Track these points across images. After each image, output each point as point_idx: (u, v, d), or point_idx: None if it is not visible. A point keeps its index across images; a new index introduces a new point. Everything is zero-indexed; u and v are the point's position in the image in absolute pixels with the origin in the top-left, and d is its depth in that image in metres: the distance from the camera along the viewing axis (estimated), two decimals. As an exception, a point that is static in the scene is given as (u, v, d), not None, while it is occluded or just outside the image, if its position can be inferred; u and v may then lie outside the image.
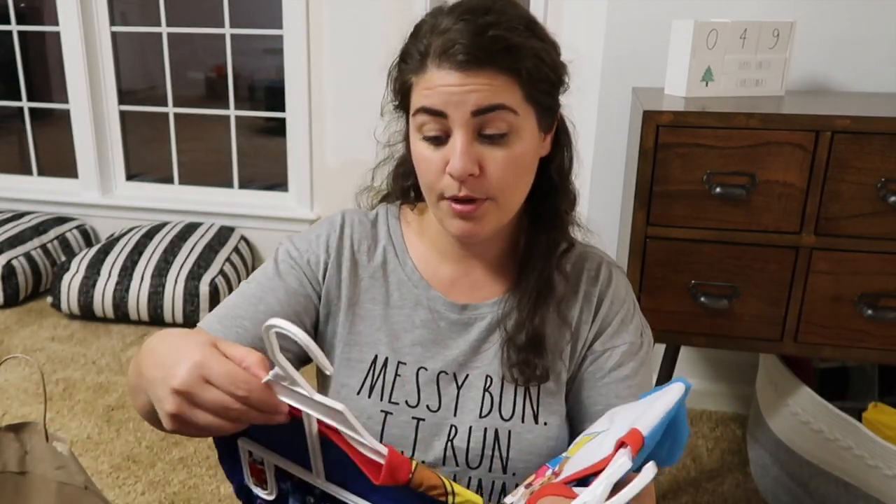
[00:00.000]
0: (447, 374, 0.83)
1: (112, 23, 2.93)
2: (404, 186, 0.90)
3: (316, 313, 0.86)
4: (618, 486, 0.49)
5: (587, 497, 0.48)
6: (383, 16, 2.58)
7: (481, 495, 0.82)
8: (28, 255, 2.80)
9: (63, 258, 2.88)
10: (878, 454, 1.36)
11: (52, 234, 2.94)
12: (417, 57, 0.74)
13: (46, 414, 0.96)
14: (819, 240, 1.33)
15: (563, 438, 0.82)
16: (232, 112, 2.99)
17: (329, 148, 2.83)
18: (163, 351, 0.60)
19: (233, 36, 2.90)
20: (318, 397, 0.57)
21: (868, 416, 1.46)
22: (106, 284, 2.57)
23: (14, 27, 3.09)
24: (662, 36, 1.66)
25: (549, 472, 0.65)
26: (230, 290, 2.68)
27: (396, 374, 0.83)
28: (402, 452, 0.80)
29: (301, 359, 0.85)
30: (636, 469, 0.50)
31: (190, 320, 2.57)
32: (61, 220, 3.04)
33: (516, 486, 0.82)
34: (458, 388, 0.83)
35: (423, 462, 0.82)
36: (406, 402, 0.82)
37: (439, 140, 0.74)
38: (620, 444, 0.52)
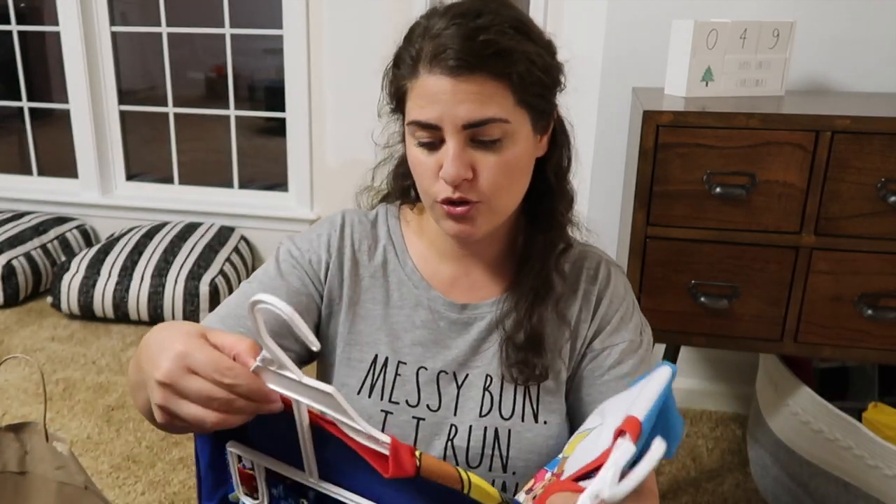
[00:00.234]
0: (447, 373, 0.83)
1: (112, 23, 2.93)
2: (404, 186, 0.90)
3: (318, 313, 0.86)
4: (624, 474, 0.48)
5: (597, 486, 0.48)
6: (383, 16, 2.58)
7: None
8: (28, 255, 2.80)
9: (63, 258, 2.88)
10: (878, 454, 1.36)
11: (52, 234, 2.94)
12: (410, 62, 0.74)
13: (46, 414, 0.96)
14: (819, 240, 1.33)
15: (564, 437, 0.83)
16: (232, 112, 2.99)
17: (329, 148, 2.83)
18: (153, 344, 0.59)
19: (233, 36, 2.90)
20: (307, 380, 0.54)
21: (868, 416, 1.46)
22: (106, 284, 2.57)
23: (14, 27, 3.09)
24: (662, 36, 1.66)
25: (548, 475, 0.65)
26: (230, 290, 2.68)
27: (397, 374, 0.83)
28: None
29: (303, 359, 0.85)
30: (639, 454, 0.50)
31: (190, 320, 2.56)
32: (61, 220, 3.04)
33: (517, 485, 0.82)
34: (458, 387, 0.83)
35: None
36: (406, 401, 0.82)
37: (433, 145, 0.75)
38: (619, 433, 0.52)
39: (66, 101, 3.00)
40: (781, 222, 1.34)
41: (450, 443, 0.81)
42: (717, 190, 1.33)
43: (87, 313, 2.61)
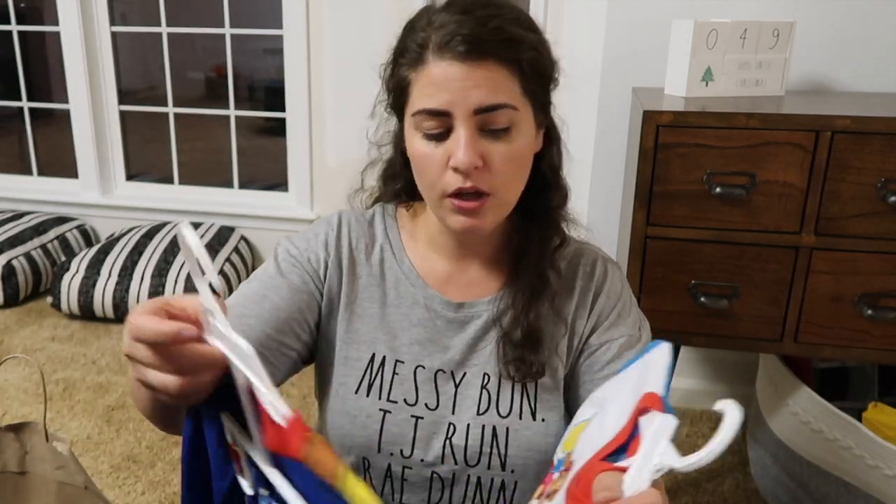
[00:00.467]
0: (444, 372, 0.83)
1: (112, 23, 2.93)
2: (395, 189, 0.90)
3: (319, 311, 0.86)
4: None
5: (661, 460, 0.47)
6: (383, 16, 2.58)
7: (480, 493, 0.82)
8: (28, 255, 2.80)
9: (63, 258, 2.88)
10: (878, 454, 1.36)
11: (52, 234, 2.94)
12: (415, 51, 0.73)
13: (46, 414, 0.96)
14: (819, 240, 1.33)
15: (563, 435, 0.82)
16: (232, 112, 2.99)
17: (329, 148, 2.83)
18: None
19: (233, 36, 2.90)
20: (233, 334, 0.52)
21: (868, 416, 1.46)
22: (106, 284, 2.57)
23: (14, 27, 3.09)
24: (662, 36, 1.66)
25: (556, 475, 0.64)
26: (230, 289, 2.68)
27: (394, 373, 0.83)
28: (401, 453, 0.81)
29: (303, 357, 0.85)
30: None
31: (190, 320, 2.57)
32: (61, 220, 3.04)
33: (515, 483, 0.82)
34: (456, 386, 0.83)
35: (422, 461, 0.82)
36: (404, 400, 0.82)
37: (440, 136, 0.74)
38: (641, 411, 0.51)
39: (66, 101, 2.99)
40: (781, 222, 1.34)
41: (448, 441, 0.81)
42: (717, 190, 1.33)
43: (87, 313, 2.61)
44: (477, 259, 0.86)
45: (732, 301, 1.39)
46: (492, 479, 0.81)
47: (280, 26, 2.72)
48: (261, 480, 0.59)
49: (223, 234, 2.86)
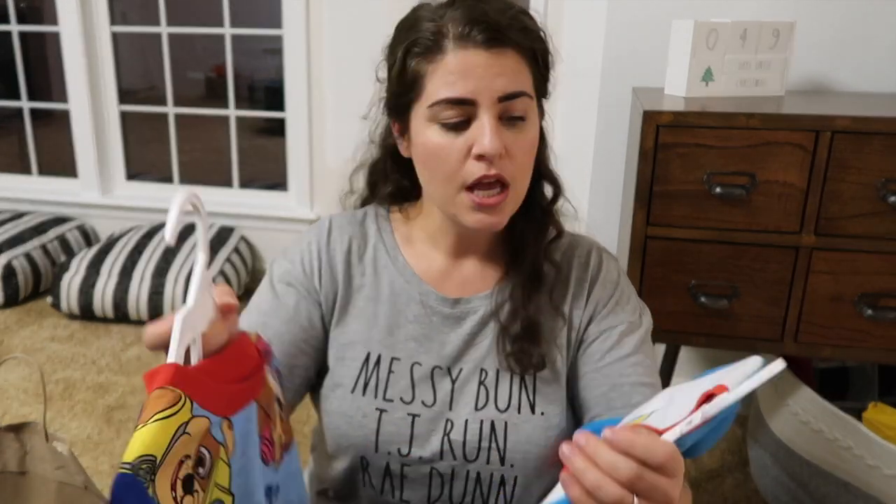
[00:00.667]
0: (441, 368, 0.83)
1: (112, 23, 2.93)
2: (384, 193, 0.89)
3: (322, 319, 0.86)
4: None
5: (685, 425, 0.49)
6: (383, 16, 2.58)
7: (480, 488, 0.82)
8: (28, 255, 2.80)
9: (63, 258, 2.88)
10: (878, 454, 1.36)
11: (52, 234, 2.94)
12: (430, 41, 0.73)
13: (46, 414, 0.96)
14: (819, 240, 1.33)
15: (563, 428, 0.82)
16: (232, 112, 2.99)
17: (329, 148, 2.83)
18: None
19: (233, 36, 2.90)
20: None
21: (868, 416, 1.46)
22: (106, 284, 2.57)
23: (14, 27, 3.09)
24: (662, 36, 1.66)
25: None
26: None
27: (390, 371, 0.83)
28: (399, 451, 0.81)
29: (320, 370, 0.86)
30: (716, 426, 0.52)
31: (190, 320, 2.57)
32: (61, 220, 3.04)
33: (515, 478, 0.81)
34: (453, 382, 0.83)
35: (420, 458, 0.82)
36: (401, 398, 0.82)
37: (459, 126, 0.74)
38: (707, 397, 0.51)
39: (66, 101, 2.99)
40: (781, 222, 1.34)
41: (446, 437, 0.81)
42: (717, 190, 1.33)
43: (87, 313, 2.61)
44: (474, 255, 0.86)
45: (732, 301, 1.39)
46: (491, 474, 0.81)
47: (280, 26, 2.72)
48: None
49: (223, 234, 2.86)
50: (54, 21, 2.89)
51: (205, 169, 3.28)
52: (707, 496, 1.77)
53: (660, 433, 0.53)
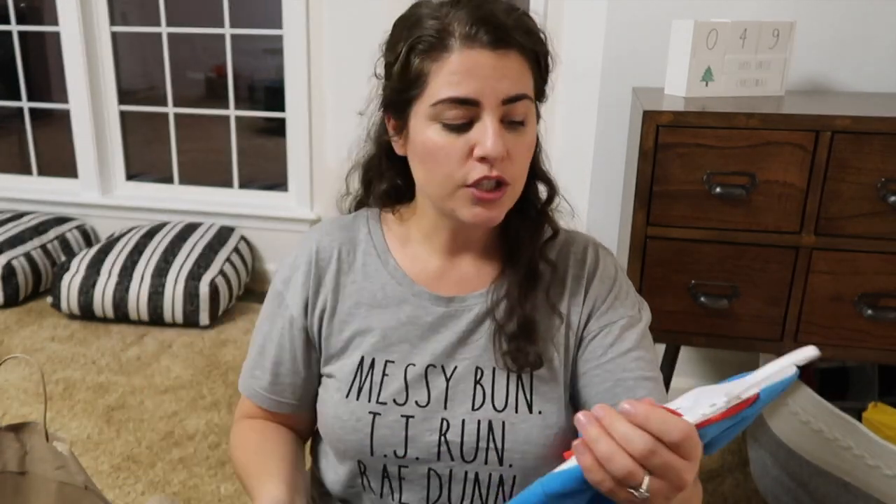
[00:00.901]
0: (435, 367, 0.83)
1: (112, 23, 2.92)
2: (380, 191, 0.89)
3: (318, 333, 0.87)
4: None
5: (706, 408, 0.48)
6: (383, 15, 2.58)
7: (479, 489, 0.82)
8: (28, 255, 2.80)
9: (63, 258, 2.88)
10: (878, 454, 1.36)
11: (52, 234, 2.94)
12: (434, 40, 0.73)
13: (46, 414, 0.96)
14: (819, 240, 1.33)
15: (562, 427, 0.82)
16: (232, 112, 2.99)
17: (329, 148, 2.83)
18: None
19: (233, 36, 2.90)
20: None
21: (868, 416, 1.46)
22: (106, 284, 2.57)
23: (14, 27, 3.09)
24: (662, 36, 1.66)
25: None
26: (230, 290, 2.68)
27: (384, 374, 0.83)
28: (395, 454, 0.81)
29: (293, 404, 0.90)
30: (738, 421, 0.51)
31: (190, 320, 2.57)
32: (61, 220, 3.04)
33: (514, 478, 0.81)
34: (447, 380, 0.82)
35: (417, 459, 0.81)
36: (394, 400, 0.82)
37: (462, 127, 0.74)
38: (739, 407, 0.51)
39: (66, 101, 2.99)
40: (781, 222, 1.34)
41: (442, 437, 0.81)
42: (717, 190, 1.33)
43: (87, 313, 2.61)
44: (469, 253, 0.86)
45: (732, 301, 1.39)
46: (490, 475, 0.81)
47: (280, 26, 2.72)
48: None
49: (223, 234, 2.86)
50: (54, 21, 2.89)
51: (205, 169, 3.28)
52: (707, 496, 1.77)
53: (669, 410, 0.53)
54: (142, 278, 2.58)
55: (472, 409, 0.81)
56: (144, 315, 2.58)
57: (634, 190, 1.38)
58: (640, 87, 1.76)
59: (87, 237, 3.09)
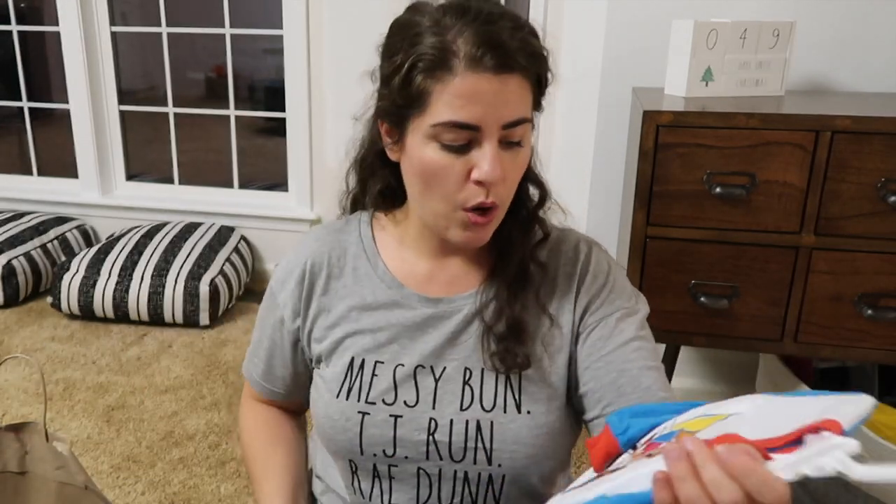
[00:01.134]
0: (424, 367, 0.83)
1: (112, 23, 2.93)
2: (375, 191, 0.89)
3: (309, 335, 0.89)
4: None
5: (796, 459, 0.44)
6: (383, 16, 2.58)
7: (468, 488, 0.82)
8: (28, 255, 2.80)
9: (63, 258, 2.88)
10: (878, 454, 1.36)
11: (52, 234, 2.94)
12: (437, 58, 0.71)
13: (46, 414, 0.96)
14: (819, 240, 1.33)
15: (552, 426, 0.82)
16: (232, 112, 2.99)
17: (329, 148, 2.83)
18: None
19: (233, 36, 2.90)
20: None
21: (868, 416, 1.46)
22: (106, 284, 2.57)
23: (14, 27, 3.09)
24: (662, 36, 1.66)
25: (663, 444, 0.55)
26: (230, 290, 2.68)
27: (374, 374, 0.83)
28: (384, 453, 0.82)
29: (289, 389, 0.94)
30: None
31: (190, 320, 2.57)
32: (61, 220, 3.04)
33: (503, 477, 0.81)
34: (436, 380, 0.83)
35: (406, 458, 0.82)
36: (383, 400, 0.82)
37: (461, 149, 0.73)
38: (813, 429, 0.47)
39: (66, 101, 2.99)
40: (781, 222, 1.34)
41: (431, 437, 0.81)
42: (717, 190, 1.33)
43: (87, 313, 2.61)
44: (459, 255, 0.87)
45: (732, 301, 1.39)
46: (479, 474, 0.81)
47: (280, 26, 2.72)
48: None
49: (223, 234, 2.86)
50: (54, 21, 2.89)
51: (205, 169, 3.28)
52: (707, 496, 1.77)
53: (757, 447, 0.47)
54: (142, 278, 2.58)
55: (461, 409, 0.81)
56: (144, 315, 2.58)
57: (634, 190, 1.38)
58: (640, 87, 1.76)
59: (88, 237, 3.09)
